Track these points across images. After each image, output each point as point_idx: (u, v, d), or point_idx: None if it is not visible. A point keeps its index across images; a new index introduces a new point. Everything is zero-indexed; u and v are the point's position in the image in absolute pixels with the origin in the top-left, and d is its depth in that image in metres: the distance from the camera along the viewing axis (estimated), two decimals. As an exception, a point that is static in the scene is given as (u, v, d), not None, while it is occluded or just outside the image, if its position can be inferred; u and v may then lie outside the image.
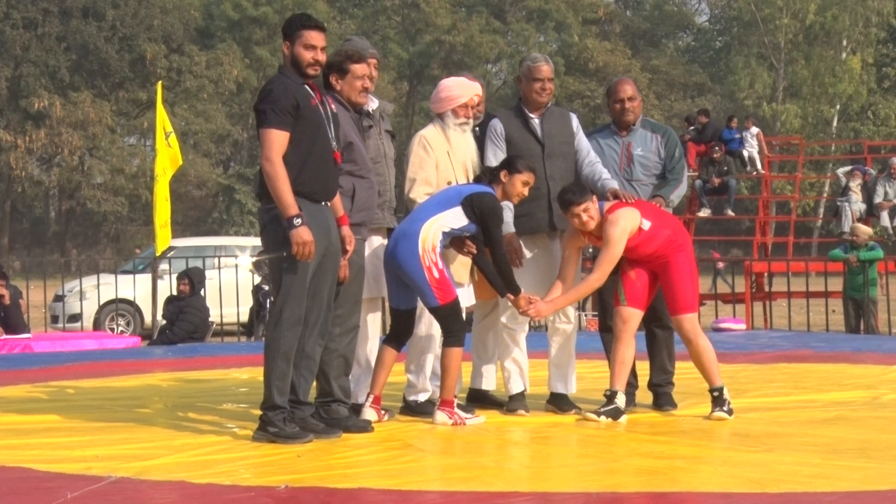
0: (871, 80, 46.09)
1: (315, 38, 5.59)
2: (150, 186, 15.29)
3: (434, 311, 6.00)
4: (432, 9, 47.83)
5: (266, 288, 14.34)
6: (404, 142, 6.54)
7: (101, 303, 16.91)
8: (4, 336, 12.27)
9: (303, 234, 5.38)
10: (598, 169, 6.47)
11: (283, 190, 5.39)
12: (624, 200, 6.23)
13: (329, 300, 5.70)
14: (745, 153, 19.94)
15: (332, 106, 5.75)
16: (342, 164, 5.83)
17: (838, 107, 46.39)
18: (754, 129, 20.41)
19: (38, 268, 25.45)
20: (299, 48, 5.57)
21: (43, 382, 8.34)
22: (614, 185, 6.39)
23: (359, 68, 5.98)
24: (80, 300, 16.17)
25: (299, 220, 5.38)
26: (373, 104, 6.33)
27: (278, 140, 5.44)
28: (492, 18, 49.36)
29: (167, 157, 14.02)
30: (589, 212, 6.13)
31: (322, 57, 5.63)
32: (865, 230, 14.38)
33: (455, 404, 6.08)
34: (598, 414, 6.17)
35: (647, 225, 6.18)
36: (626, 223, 6.14)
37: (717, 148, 18.80)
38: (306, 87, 5.58)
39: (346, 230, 5.76)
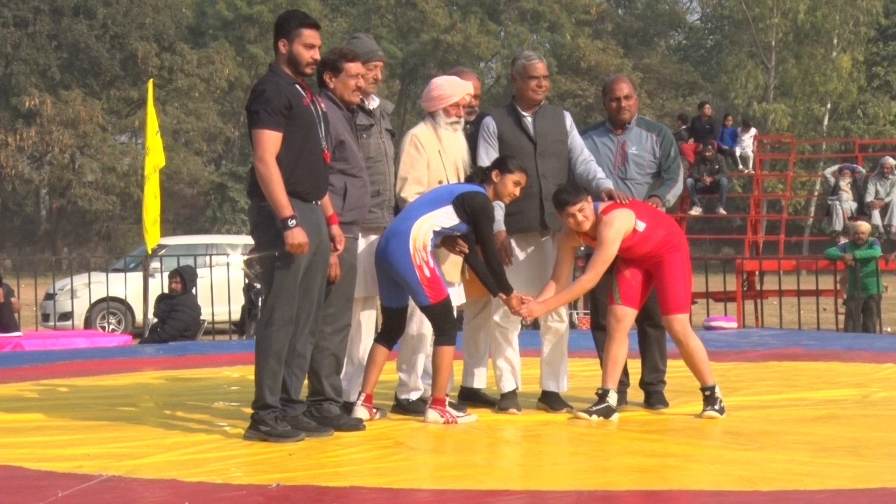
0: (860, 78, 46.16)
1: (314, 37, 5.58)
2: (142, 185, 15.32)
3: (425, 309, 6.00)
4: (430, 7, 47.83)
5: (258, 286, 14.33)
6: (396, 141, 6.53)
7: (92, 301, 16.89)
8: (-5, 334, 12.25)
9: (297, 235, 5.37)
10: (593, 168, 6.46)
11: (278, 191, 5.38)
12: (619, 201, 6.23)
13: (320, 298, 5.70)
14: (738, 151, 20.05)
15: (322, 105, 5.74)
16: (334, 162, 5.83)
17: (829, 105, 46.46)
18: (753, 131, 20.57)
19: (28, 266, 25.42)
20: (298, 47, 5.55)
21: (34, 381, 8.32)
22: (609, 184, 6.38)
23: (353, 67, 5.96)
24: (71, 298, 16.14)
25: (294, 222, 5.37)
26: (373, 103, 6.32)
27: (271, 140, 5.43)
28: (487, 19, 49.36)
29: (157, 155, 14.09)
30: (584, 212, 6.13)
31: (318, 56, 5.63)
32: (866, 226, 14.35)
33: (447, 403, 6.08)
34: (590, 412, 6.18)
35: (641, 226, 6.17)
36: (621, 224, 6.13)
37: (709, 146, 18.86)
38: (297, 86, 5.57)
39: (335, 229, 5.76)
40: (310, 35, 5.56)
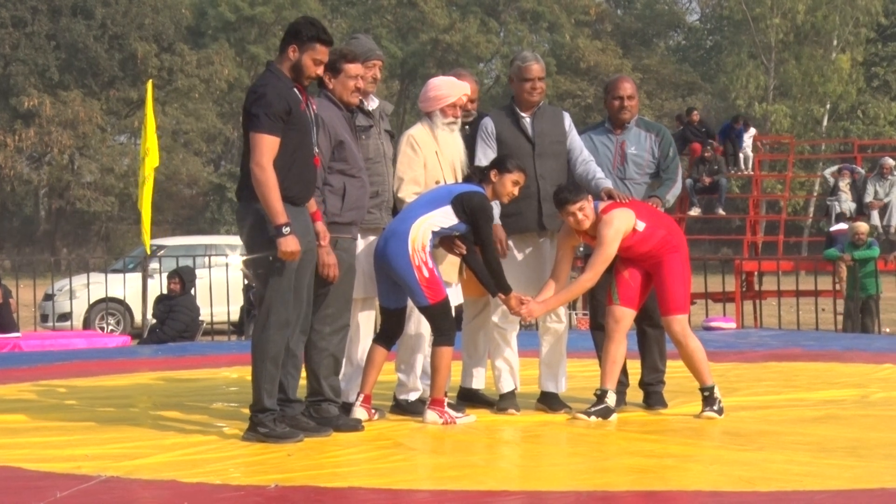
0: (859, 79, 46.16)
1: (325, 54, 5.58)
2: (140, 185, 15.31)
3: (424, 310, 6.00)
4: (430, 8, 47.86)
5: (256, 287, 14.32)
6: (394, 141, 6.52)
7: (91, 302, 16.88)
8: (-6, 335, 12.25)
9: (290, 243, 5.37)
10: (592, 168, 6.46)
11: (274, 197, 5.37)
12: (619, 200, 6.23)
13: (309, 297, 5.69)
14: (741, 154, 20.12)
15: (314, 106, 5.74)
16: (333, 162, 5.83)
17: (828, 106, 46.46)
18: (752, 131, 20.64)
19: (27, 266, 25.38)
20: (308, 60, 5.53)
21: (32, 381, 8.31)
22: (608, 184, 6.39)
23: (352, 68, 5.95)
24: (70, 299, 16.13)
25: (287, 229, 5.37)
26: (373, 104, 6.31)
27: (270, 145, 5.42)
28: (486, 19, 49.40)
29: (154, 155, 14.12)
30: (584, 211, 6.13)
31: (322, 72, 5.65)
32: (865, 227, 14.35)
33: (445, 403, 6.08)
34: (589, 413, 6.18)
35: (641, 226, 6.17)
36: (621, 224, 6.13)
37: (709, 147, 18.88)
38: (295, 89, 5.56)
39: (319, 226, 5.74)
40: (323, 52, 5.56)
